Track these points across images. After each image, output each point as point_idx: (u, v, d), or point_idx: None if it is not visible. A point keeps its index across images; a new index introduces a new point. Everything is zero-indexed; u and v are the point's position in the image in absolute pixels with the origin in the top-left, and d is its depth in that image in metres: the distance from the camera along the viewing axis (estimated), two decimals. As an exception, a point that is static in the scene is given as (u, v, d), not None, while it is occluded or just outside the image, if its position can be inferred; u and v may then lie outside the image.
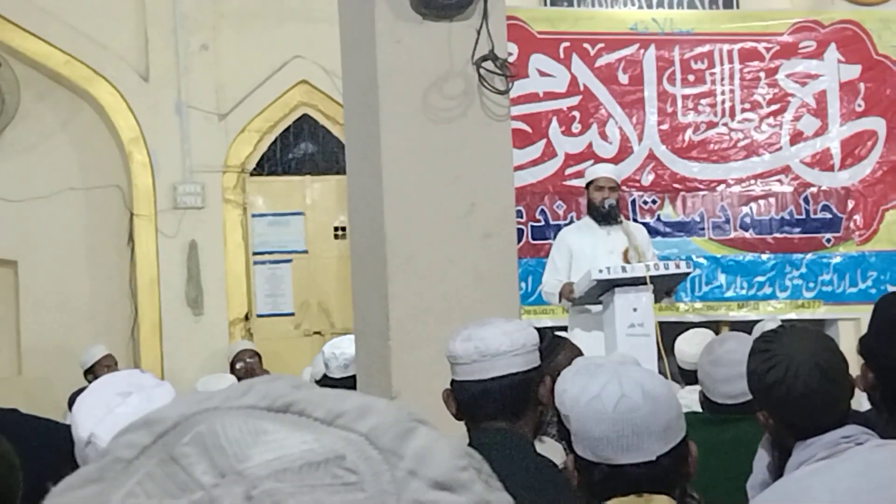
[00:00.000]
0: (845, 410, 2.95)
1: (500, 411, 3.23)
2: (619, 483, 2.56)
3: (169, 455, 0.69)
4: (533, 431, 3.38)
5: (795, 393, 2.92)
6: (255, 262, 10.79)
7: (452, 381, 3.33)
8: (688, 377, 6.23)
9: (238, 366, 9.81)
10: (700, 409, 4.42)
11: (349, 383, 5.79)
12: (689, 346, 6.30)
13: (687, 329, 6.87)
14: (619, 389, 2.58)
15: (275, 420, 0.70)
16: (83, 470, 0.72)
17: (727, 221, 9.99)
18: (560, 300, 7.85)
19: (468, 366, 3.27)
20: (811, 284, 10.04)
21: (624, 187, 9.68)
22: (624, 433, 2.55)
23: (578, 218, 8.77)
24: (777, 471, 3.07)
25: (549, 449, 3.40)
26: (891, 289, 9.79)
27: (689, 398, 5.20)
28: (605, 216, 8.05)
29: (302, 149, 11.02)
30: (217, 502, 0.66)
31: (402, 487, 0.68)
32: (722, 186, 10.02)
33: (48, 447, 2.84)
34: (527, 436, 3.30)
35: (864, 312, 9.77)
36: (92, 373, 9.21)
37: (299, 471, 0.66)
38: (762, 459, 3.24)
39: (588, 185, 8.29)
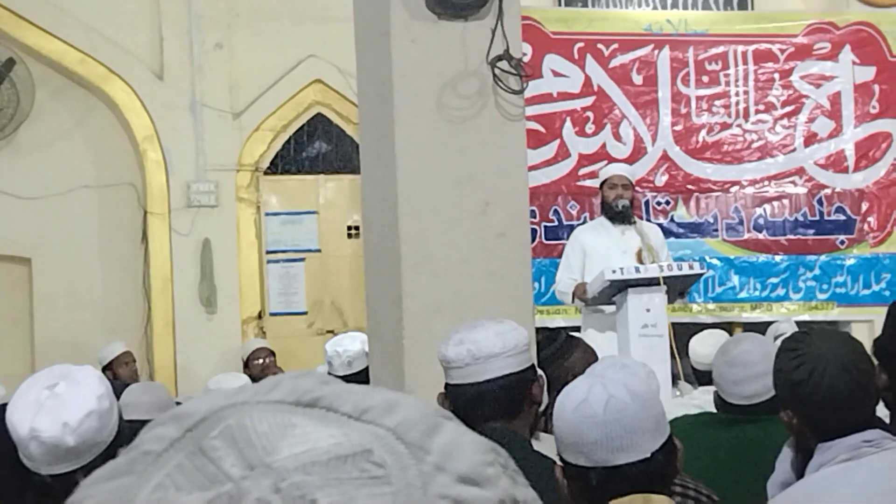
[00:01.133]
0: (870, 414, 2.95)
1: (496, 413, 3.23)
2: (618, 484, 2.56)
3: (198, 448, 0.69)
4: (529, 430, 3.38)
5: (820, 393, 2.92)
6: (269, 261, 10.80)
7: (447, 385, 3.33)
8: (701, 378, 6.23)
9: (256, 362, 9.81)
10: (715, 410, 4.42)
11: (353, 381, 5.78)
12: (703, 347, 6.29)
13: (700, 330, 6.87)
14: (605, 392, 2.59)
15: (303, 414, 0.70)
16: (112, 463, 0.72)
17: (741, 223, 9.98)
18: (573, 300, 7.85)
19: (461, 369, 3.27)
20: (825, 286, 10.02)
21: (637, 188, 9.66)
22: (617, 434, 2.56)
23: (592, 218, 8.77)
24: (799, 472, 3.07)
25: (546, 446, 3.41)
26: (904, 291, 9.79)
27: (703, 399, 5.20)
28: (619, 215, 8.04)
29: (316, 148, 11.04)
30: (246, 494, 0.66)
31: (428, 481, 0.68)
32: (736, 188, 10.00)
33: None
34: (523, 434, 3.30)
35: (878, 314, 9.78)
36: (110, 369, 9.23)
37: (327, 464, 0.67)
38: (786, 458, 3.24)
39: (602, 184, 8.31)
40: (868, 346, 3.23)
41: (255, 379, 9.25)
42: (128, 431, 2.85)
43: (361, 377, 6.10)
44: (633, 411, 2.56)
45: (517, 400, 3.26)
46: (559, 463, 2.70)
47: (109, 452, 2.72)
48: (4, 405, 3.23)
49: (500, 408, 3.25)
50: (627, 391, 2.59)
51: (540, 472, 2.85)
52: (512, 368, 3.26)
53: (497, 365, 3.25)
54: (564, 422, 2.62)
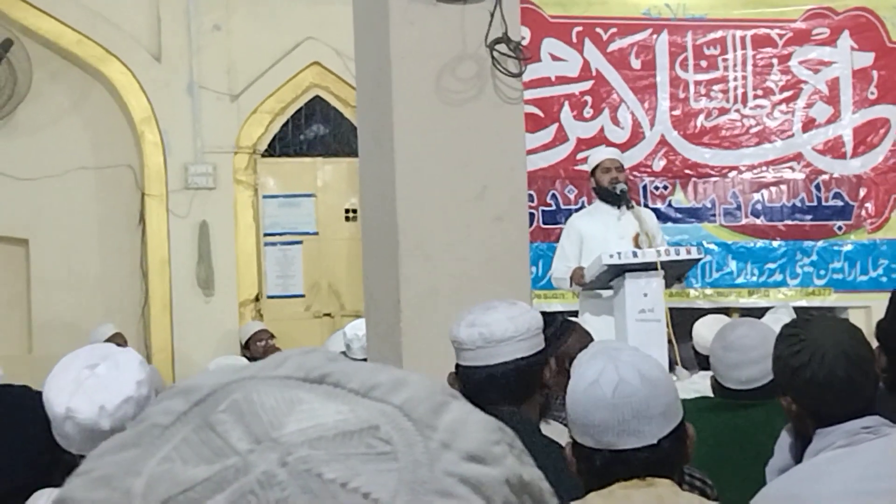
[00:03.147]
0: (868, 400, 2.95)
1: (506, 396, 3.23)
2: (622, 468, 2.56)
3: (205, 421, 0.69)
4: (538, 414, 3.38)
5: (819, 378, 2.92)
6: (266, 244, 10.80)
7: (457, 366, 3.33)
8: (702, 362, 6.22)
9: (259, 343, 9.81)
10: (712, 395, 4.42)
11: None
12: (708, 332, 6.25)
13: (700, 315, 6.86)
14: (616, 374, 2.58)
15: (310, 390, 0.70)
16: (119, 435, 0.73)
17: (738, 208, 9.98)
18: (571, 285, 7.84)
19: (473, 352, 3.26)
20: (822, 272, 10.03)
21: (635, 173, 9.67)
22: (624, 418, 2.55)
23: (590, 202, 8.76)
24: (797, 457, 3.07)
25: (555, 431, 3.41)
26: (901, 277, 9.80)
27: (702, 384, 5.20)
28: (617, 198, 8.02)
29: (314, 130, 11.03)
30: (252, 467, 0.66)
31: (435, 458, 0.68)
32: (733, 173, 10.00)
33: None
34: (532, 418, 3.30)
35: (875, 300, 9.81)
36: (101, 351, 9.22)
37: (333, 439, 0.67)
38: (785, 444, 3.24)
39: (594, 169, 8.25)
40: (866, 333, 3.23)
41: (255, 359, 9.27)
42: None
43: (379, 361, 6.15)
44: (643, 396, 2.55)
45: (528, 384, 3.26)
46: (569, 441, 2.69)
47: None
48: (13, 387, 3.23)
49: (510, 391, 3.24)
50: (639, 375, 2.57)
51: (547, 456, 2.85)
52: (523, 352, 3.26)
53: (508, 349, 3.24)
54: (575, 401, 2.62)
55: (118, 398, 2.66)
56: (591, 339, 4.59)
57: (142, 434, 0.71)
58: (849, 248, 10.09)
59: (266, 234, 10.81)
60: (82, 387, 2.66)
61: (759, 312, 7.54)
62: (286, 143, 10.96)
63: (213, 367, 6.90)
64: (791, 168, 10.08)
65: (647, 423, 2.54)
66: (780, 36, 10.11)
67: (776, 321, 5.53)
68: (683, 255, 7.46)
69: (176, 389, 0.73)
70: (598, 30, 9.85)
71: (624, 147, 9.38)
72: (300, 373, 0.72)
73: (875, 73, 10.20)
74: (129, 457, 0.70)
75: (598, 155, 8.40)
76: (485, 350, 3.25)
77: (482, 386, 3.22)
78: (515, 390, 3.25)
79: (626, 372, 2.57)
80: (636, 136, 9.84)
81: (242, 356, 9.12)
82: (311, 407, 0.69)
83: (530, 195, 8.51)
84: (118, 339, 9.47)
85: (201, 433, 0.69)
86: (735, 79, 10.05)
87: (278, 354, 0.75)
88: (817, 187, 10.08)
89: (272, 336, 9.96)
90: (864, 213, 10.13)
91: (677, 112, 9.94)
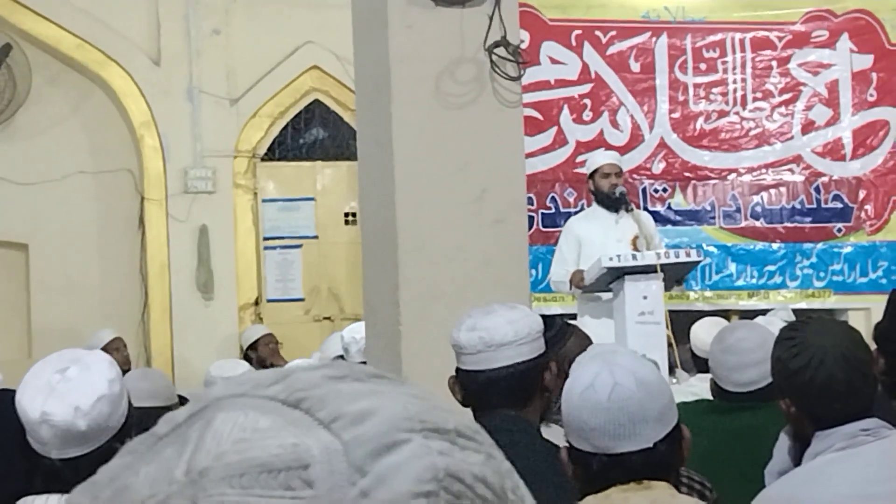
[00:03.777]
0: (867, 403, 2.95)
1: (507, 400, 3.22)
2: (618, 472, 2.55)
3: (183, 440, 0.70)
4: (539, 418, 3.37)
5: (818, 381, 2.92)
6: (266, 248, 10.80)
7: (458, 370, 3.32)
8: (700, 365, 6.22)
9: (270, 347, 9.76)
10: (711, 397, 4.42)
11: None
12: (706, 335, 6.24)
13: (698, 318, 6.86)
14: (611, 378, 2.57)
15: (280, 415, 0.70)
16: (135, 439, 0.74)
17: (738, 210, 9.98)
18: (570, 288, 7.84)
19: (473, 356, 3.25)
20: (821, 274, 10.03)
21: (635, 175, 9.68)
22: (620, 422, 2.54)
23: (589, 205, 8.76)
24: (796, 460, 3.07)
25: (555, 434, 3.40)
26: (901, 279, 9.80)
27: (700, 386, 5.20)
28: (616, 202, 8.02)
29: (313, 134, 11.03)
30: (168, 501, 0.68)
31: None
32: (733, 175, 10.01)
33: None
34: (533, 421, 3.29)
35: (874, 302, 9.79)
36: (101, 357, 9.20)
37: (257, 477, 0.67)
38: (783, 446, 3.24)
39: (593, 173, 8.24)
40: (865, 335, 3.23)
41: (261, 363, 9.24)
42: (136, 416, 2.87)
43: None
44: (638, 400, 2.55)
45: (528, 388, 3.25)
46: (566, 445, 2.69)
47: (119, 437, 2.73)
48: (8, 390, 3.24)
49: (511, 395, 3.23)
50: (634, 379, 2.57)
51: (546, 459, 2.85)
52: (524, 356, 3.25)
53: (509, 353, 3.23)
54: (570, 406, 2.62)
55: (92, 398, 2.69)
56: (591, 342, 4.59)
57: (142, 441, 0.73)
58: (848, 250, 10.10)
59: (266, 238, 10.82)
60: (55, 390, 2.68)
61: (758, 314, 7.53)
62: (285, 147, 10.96)
63: (214, 370, 6.89)
64: (790, 170, 10.09)
65: (642, 427, 2.54)
66: (780, 38, 10.12)
67: (770, 322, 5.53)
68: (683, 258, 7.46)
69: (196, 394, 0.75)
70: (598, 33, 9.86)
71: (623, 150, 9.38)
72: (284, 394, 0.71)
73: (874, 76, 10.20)
74: (126, 462, 0.72)
75: (597, 159, 8.39)
76: (485, 354, 3.24)
77: (483, 390, 3.21)
78: (516, 394, 3.24)
79: (622, 376, 2.57)
80: (635, 139, 9.84)
81: (245, 359, 9.08)
82: (260, 437, 0.69)
83: (529, 198, 8.51)
84: (117, 344, 9.47)
85: (173, 452, 0.70)
86: (734, 81, 10.05)
87: (288, 368, 0.75)
88: (817, 189, 10.08)
89: (276, 340, 9.95)
90: (863, 215, 10.13)
91: (677, 115, 9.95)
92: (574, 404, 2.60)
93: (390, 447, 0.69)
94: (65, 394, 2.68)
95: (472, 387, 3.23)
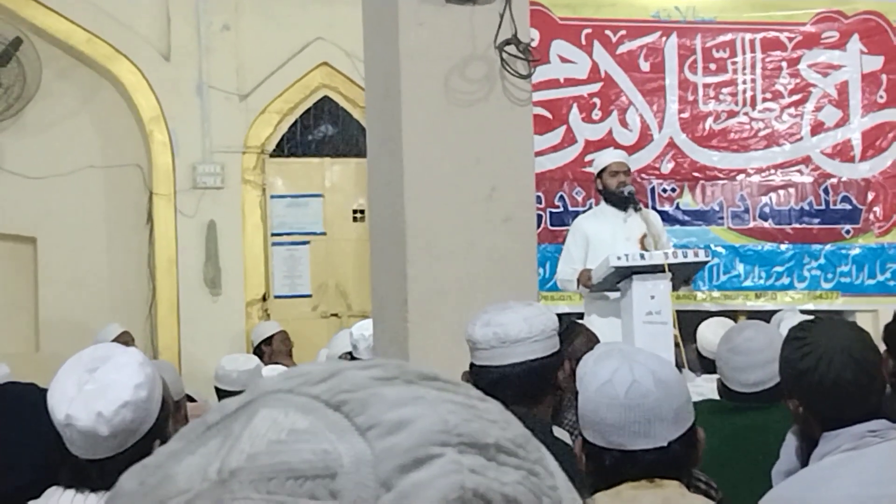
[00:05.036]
0: (875, 404, 2.95)
1: (519, 397, 3.21)
2: (631, 469, 2.55)
3: (229, 432, 0.70)
4: (551, 416, 3.37)
5: (827, 382, 2.91)
6: (274, 244, 10.81)
7: (472, 365, 3.32)
8: (706, 365, 6.21)
9: (284, 344, 9.73)
10: (718, 397, 4.42)
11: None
12: (712, 335, 6.24)
13: (704, 318, 6.85)
14: (630, 375, 2.57)
15: (320, 417, 0.69)
16: (192, 423, 0.73)
17: (746, 211, 9.97)
18: (578, 287, 7.83)
19: (487, 351, 3.25)
20: (829, 275, 10.02)
21: (643, 175, 9.67)
22: (636, 419, 2.54)
23: (597, 204, 8.75)
24: (803, 460, 3.07)
25: (564, 437, 3.40)
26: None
27: (706, 387, 5.20)
28: (625, 201, 8.01)
29: (322, 131, 11.04)
30: (197, 500, 0.67)
31: None
32: (742, 176, 9.99)
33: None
34: (545, 420, 3.29)
35: (883, 304, 9.78)
36: (108, 351, 9.19)
37: (284, 483, 0.66)
38: (790, 447, 3.24)
39: (601, 172, 8.23)
40: (873, 337, 3.22)
41: (272, 359, 9.20)
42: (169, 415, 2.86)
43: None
44: (655, 399, 2.55)
45: (541, 385, 3.25)
46: (580, 437, 2.69)
47: (149, 438, 2.70)
48: (19, 385, 3.23)
49: (523, 392, 3.23)
50: (653, 378, 2.56)
51: (557, 459, 2.85)
52: (537, 354, 3.25)
53: (522, 349, 3.23)
54: (587, 399, 2.61)
55: (115, 404, 2.65)
56: (598, 341, 4.60)
57: (193, 428, 0.72)
58: (857, 251, 10.08)
59: (273, 234, 10.82)
60: (81, 393, 2.65)
61: (766, 316, 7.52)
62: (294, 144, 10.97)
63: (226, 363, 6.87)
64: (799, 171, 10.07)
65: (657, 426, 2.54)
66: (790, 39, 10.10)
67: (782, 320, 5.53)
68: (691, 258, 7.45)
69: (252, 383, 0.73)
70: (608, 32, 9.84)
71: (632, 149, 9.37)
72: (328, 394, 0.70)
73: (884, 77, 10.18)
74: (173, 449, 0.71)
75: (605, 158, 8.39)
76: (499, 350, 3.24)
77: (495, 386, 3.21)
78: (529, 391, 3.24)
79: (640, 373, 2.57)
80: (644, 139, 9.83)
81: (255, 354, 9.06)
82: (296, 440, 0.68)
83: (538, 197, 8.53)
84: (125, 338, 9.47)
85: (218, 444, 0.69)
86: (744, 82, 10.04)
87: (335, 365, 0.74)
88: (825, 191, 10.07)
89: (290, 340, 9.91)
90: (872, 216, 10.12)
91: (686, 115, 9.93)
92: (591, 398, 2.60)
93: (420, 462, 0.67)
94: (89, 398, 2.65)
95: (485, 382, 3.23)
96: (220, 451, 0.68)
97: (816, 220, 10.04)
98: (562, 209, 9.58)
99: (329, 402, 0.69)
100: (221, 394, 6.73)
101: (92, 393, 2.65)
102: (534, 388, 3.25)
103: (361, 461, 0.67)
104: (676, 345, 7.16)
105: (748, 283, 9.91)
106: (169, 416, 2.81)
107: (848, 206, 10.09)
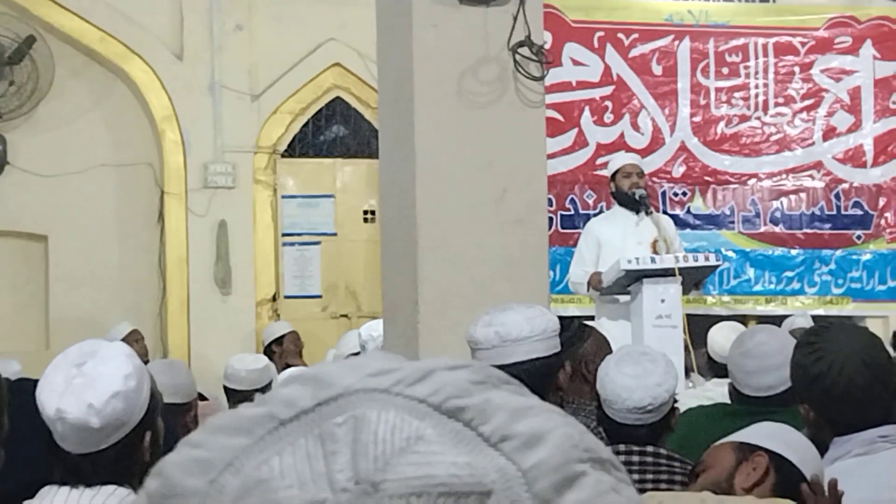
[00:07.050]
0: (886, 409, 2.94)
1: None
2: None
3: (321, 431, 0.64)
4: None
5: (839, 387, 2.91)
6: (284, 244, 10.82)
7: None
8: (716, 369, 6.21)
9: (295, 344, 9.72)
10: (729, 402, 4.41)
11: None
12: (723, 339, 6.22)
13: (716, 322, 6.85)
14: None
15: (437, 425, 0.64)
16: (242, 411, 0.67)
17: (757, 215, 9.96)
18: (588, 289, 7.83)
19: (488, 351, 3.26)
20: (840, 281, 10.00)
21: (655, 179, 9.66)
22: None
23: (608, 207, 8.75)
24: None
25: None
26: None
27: (716, 391, 5.20)
28: (637, 203, 8.00)
29: (334, 131, 11.04)
30: None
31: None
32: (753, 180, 9.99)
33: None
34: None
35: (893, 310, 9.77)
36: (119, 349, 9.19)
37: (436, 499, 0.61)
38: None
39: (614, 174, 8.24)
40: (884, 342, 3.22)
41: (282, 359, 9.18)
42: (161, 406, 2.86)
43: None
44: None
45: (542, 385, 3.25)
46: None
47: (139, 430, 2.71)
48: (28, 380, 3.24)
49: None
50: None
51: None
52: (539, 353, 3.25)
53: (524, 349, 3.24)
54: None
55: (105, 395, 2.66)
56: (608, 344, 4.59)
57: (258, 421, 0.66)
58: (867, 257, 10.07)
59: (284, 235, 10.83)
60: (70, 386, 2.67)
61: (776, 320, 7.52)
62: (306, 144, 10.98)
63: (235, 362, 6.86)
64: (811, 176, 10.07)
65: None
66: (803, 44, 10.10)
67: (793, 324, 5.52)
68: (701, 262, 7.45)
69: (309, 375, 0.67)
70: (620, 35, 9.85)
71: (644, 153, 9.37)
72: (436, 398, 0.65)
73: (897, 83, 10.18)
74: (237, 444, 0.65)
75: (619, 160, 8.40)
76: (500, 349, 3.25)
77: None
78: (530, 391, 3.24)
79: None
80: (656, 142, 9.83)
81: (265, 354, 9.05)
82: (428, 450, 0.63)
83: (549, 200, 8.52)
84: (136, 336, 9.49)
85: (311, 445, 0.64)
86: (756, 86, 10.03)
87: (420, 365, 0.69)
88: (837, 196, 10.06)
89: (301, 341, 9.89)
90: (883, 222, 10.11)
91: (698, 119, 9.93)
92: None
93: (570, 481, 0.63)
94: (79, 390, 2.67)
95: None
96: (336, 455, 0.63)
97: (827, 226, 10.04)
98: (573, 212, 9.58)
99: (440, 408, 0.65)
100: (230, 393, 6.74)
101: (81, 386, 2.67)
102: (535, 389, 3.23)
103: (510, 477, 0.62)
104: (686, 348, 7.15)
105: (758, 287, 9.90)
106: (158, 408, 2.81)
107: (859, 212, 10.08)
